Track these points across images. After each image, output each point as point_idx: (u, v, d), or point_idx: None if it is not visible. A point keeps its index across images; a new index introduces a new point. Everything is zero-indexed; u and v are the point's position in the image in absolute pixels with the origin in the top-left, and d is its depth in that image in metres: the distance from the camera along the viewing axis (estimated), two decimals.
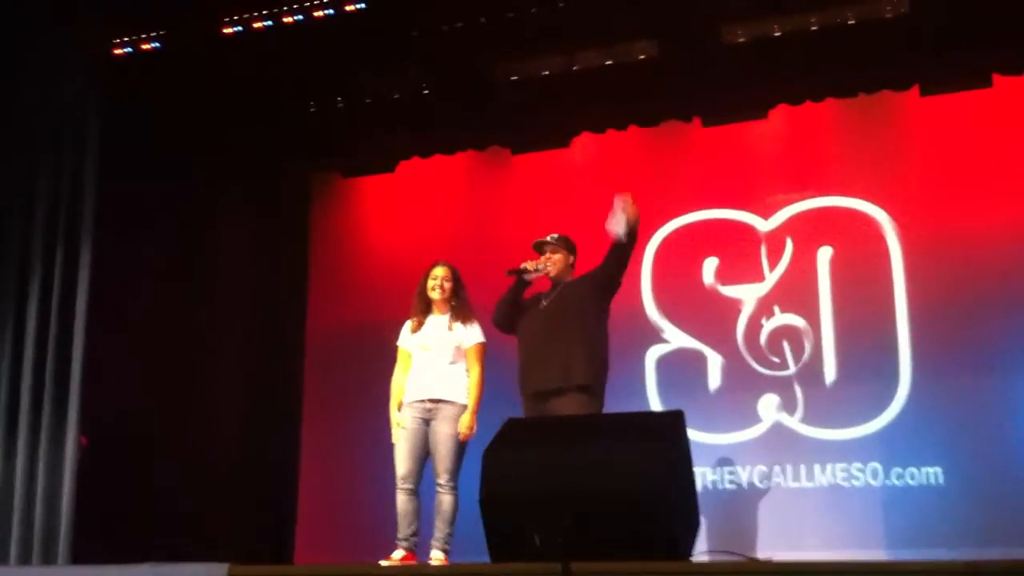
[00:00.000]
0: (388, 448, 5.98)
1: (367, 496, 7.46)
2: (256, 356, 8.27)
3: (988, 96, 7.20)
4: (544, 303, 6.11)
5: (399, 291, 6.67)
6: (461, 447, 5.75)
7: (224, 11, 7.44)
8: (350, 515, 7.92)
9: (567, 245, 6.23)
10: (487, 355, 5.97)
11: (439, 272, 5.98)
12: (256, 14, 7.41)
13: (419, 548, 5.78)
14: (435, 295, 5.93)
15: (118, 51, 7.42)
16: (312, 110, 8.38)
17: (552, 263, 6.13)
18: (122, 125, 6.90)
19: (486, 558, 4.56)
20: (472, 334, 5.93)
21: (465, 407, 5.82)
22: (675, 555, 4.34)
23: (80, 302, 5.38)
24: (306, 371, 8.47)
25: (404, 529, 5.75)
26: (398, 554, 5.70)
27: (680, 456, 4.68)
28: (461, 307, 5.96)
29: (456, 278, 6.00)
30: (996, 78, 7.11)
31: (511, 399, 6.02)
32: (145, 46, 7.59)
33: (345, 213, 8.89)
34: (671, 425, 4.76)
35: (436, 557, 5.67)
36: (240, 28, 7.47)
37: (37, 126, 5.81)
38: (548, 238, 6.21)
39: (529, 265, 6.12)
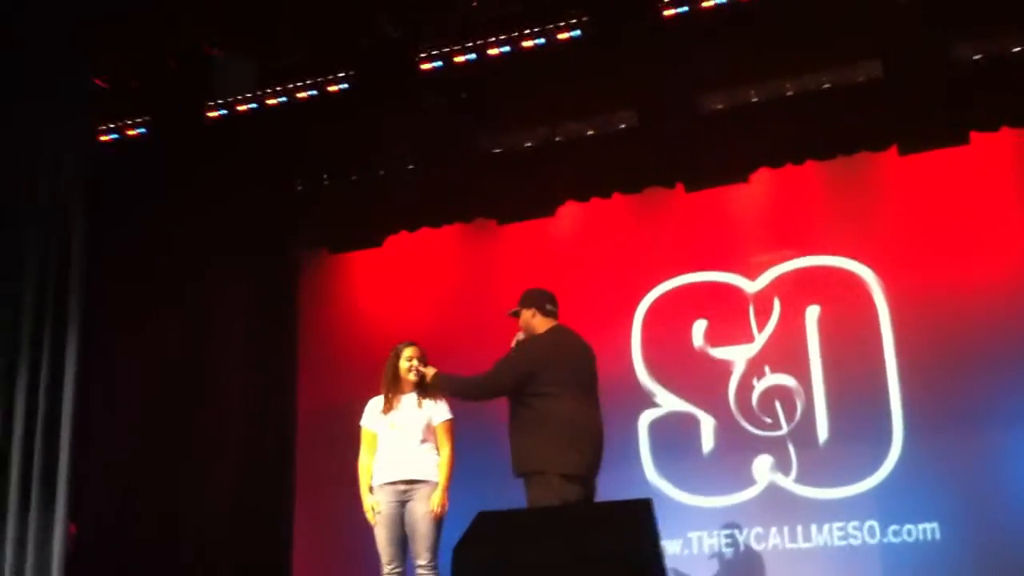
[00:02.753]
0: None
1: None
2: (247, 436, 8.23)
3: (965, 153, 7.26)
4: None
5: None
6: (439, 526, 5.59)
7: (208, 95, 7.56)
8: None
9: (523, 302, 5.69)
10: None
11: (411, 352, 5.81)
12: (240, 97, 7.53)
13: None
14: (412, 376, 5.78)
15: (104, 137, 7.53)
16: (299, 188, 8.47)
17: (522, 333, 5.70)
18: (109, 208, 6.97)
19: None
20: (441, 411, 5.78)
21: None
22: None
23: (67, 394, 5.38)
24: (298, 449, 8.41)
25: None
26: None
27: (649, 547, 4.67)
28: (427, 384, 5.83)
29: (423, 356, 5.85)
30: (973, 135, 7.17)
31: (481, 477, 6.06)
32: (131, 132, 7.72)
33: (334, 288, 8.91)
34: (640, 515, 4.73)
35: None
36: (224, 111, 7.59)
37: (23, 217, 5.86)
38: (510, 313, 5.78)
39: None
